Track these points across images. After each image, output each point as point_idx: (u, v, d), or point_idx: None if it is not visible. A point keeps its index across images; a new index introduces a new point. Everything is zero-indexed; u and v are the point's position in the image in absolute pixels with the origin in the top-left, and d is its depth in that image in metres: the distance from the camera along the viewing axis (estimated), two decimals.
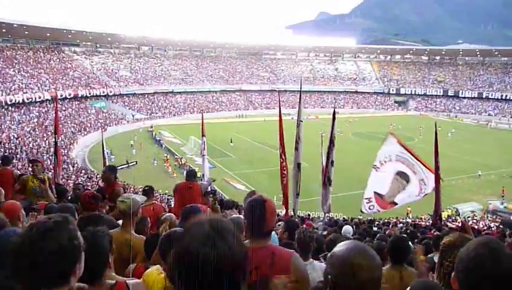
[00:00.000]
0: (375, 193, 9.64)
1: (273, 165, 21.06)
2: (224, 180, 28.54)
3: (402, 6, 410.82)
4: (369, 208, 9.64)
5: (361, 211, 10.06)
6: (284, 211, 11.02)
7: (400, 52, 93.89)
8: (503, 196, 26.56)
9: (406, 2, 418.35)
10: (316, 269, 2.99)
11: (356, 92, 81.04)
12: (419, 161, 9.74)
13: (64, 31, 57.74)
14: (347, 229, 6.45)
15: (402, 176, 9.46)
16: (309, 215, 18.31)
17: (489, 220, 22.41)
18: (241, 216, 3.84)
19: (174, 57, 77.14)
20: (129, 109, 58.31)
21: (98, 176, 25.91)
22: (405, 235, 4.44)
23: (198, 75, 74.09)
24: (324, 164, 10.11)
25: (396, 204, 9.67)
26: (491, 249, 1.28)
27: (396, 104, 79.27)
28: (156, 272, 2.27)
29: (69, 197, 6.24)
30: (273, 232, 3.42)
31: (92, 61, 65.02)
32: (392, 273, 3.10)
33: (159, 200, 19.75)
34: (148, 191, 5.29)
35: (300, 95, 10.90)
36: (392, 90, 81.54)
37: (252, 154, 37.31)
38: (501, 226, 15.95)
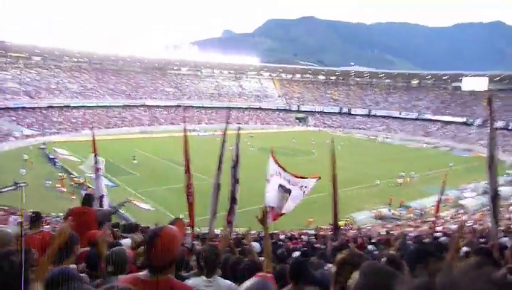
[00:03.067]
0: (268, 206, 10.17)
1: (180, 182, 20.70)
2: (128, 200, 27.18)
3: (299, 29, 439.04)
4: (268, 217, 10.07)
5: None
6: (190, 230, 10.88)
7: (300, 72, 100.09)
8: (390, 204, 29.50)
9: (303, 24, 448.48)
10: (220, 286, 3.02)
11: (260, 108, 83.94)
12: (294, 175, 10.46)
13: None
14: (254, 246, 6.56)
15: (282, 188, 10.07)
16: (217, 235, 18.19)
17: (380, 226, 24.70)
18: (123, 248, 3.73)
19: (71, 69, 72.02)
20: (17, 124, 52.64)
21: None
22: (303, 259, 4.61)
23: (98, 89, 70.04)
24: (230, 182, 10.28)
25: (283, 214, 10.26)
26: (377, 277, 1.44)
27: (297, 120, 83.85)
28: None
29: None
30: None
31: None
32: None
33: (51, 224, 18.08)
34: (35, 219, 4.83)
35: (227, 115, 10.92)
36: (293, 107, 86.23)
37: (157, 172, 36.20)
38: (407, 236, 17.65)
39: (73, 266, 3.17)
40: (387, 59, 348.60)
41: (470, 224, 21.42)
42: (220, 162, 9.66)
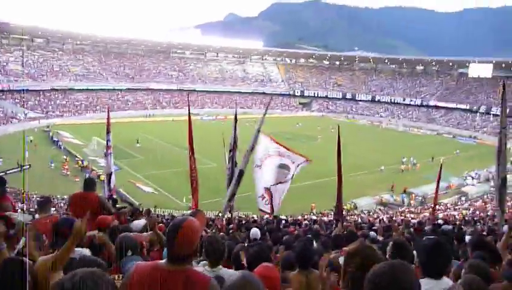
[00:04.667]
0: (265, 188, 10.24)
1: (182, 165, 20.80)
2: (131, 182, 27.40)
3: (304, 13, 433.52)
4: (265, 204, 10.21)
5: (260, 209, 10.59)
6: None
7: (304, 56, 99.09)
8: (392, 190, 29.53)
9: (308, 8, 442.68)
10: (228, 276, 3.00)
11: (264, 93, 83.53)
12: (291, 150, 10.55)
13: None
14: (255, 232, 6.57)
15: (283, 166, 10.11)
16: (217, 216, 18.33)
17: (382, 212, 24.82)
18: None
19: (74, 52, 71.63)
20: (21, 106, 52.68)
21: None
22: (308, 246, 4.61)
23: (101, 72, 69.81)
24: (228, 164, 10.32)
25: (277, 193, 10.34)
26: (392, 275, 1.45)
27: (300, 105, 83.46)
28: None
29: None
30: None
31: None
32: (299, 278, 3.36)
33: (58, 206, 18.28)
34: (44, 203, 4.82)
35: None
36: (297, 92, 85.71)
37: (160, 155, 36.33)
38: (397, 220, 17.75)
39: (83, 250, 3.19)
40: (393, 44, 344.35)
41: (471, 211, 21.49)
42: (249, 149, 9.50)
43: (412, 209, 25.01)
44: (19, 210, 5.13)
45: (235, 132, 10.18)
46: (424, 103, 75.02)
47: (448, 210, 23.43)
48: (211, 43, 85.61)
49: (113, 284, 1.58)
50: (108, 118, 12.06)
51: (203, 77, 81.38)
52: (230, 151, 10.15)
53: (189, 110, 11.23)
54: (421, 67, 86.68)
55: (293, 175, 10.20)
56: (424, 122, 69.77)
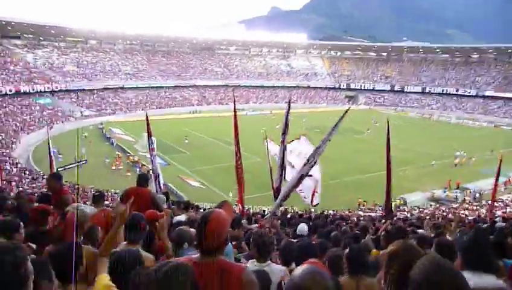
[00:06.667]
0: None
1: (228, 161, 21.07)
2: (179, 177, 28.17)
3: (348, 4, 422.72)
4: (304, 198, 10.35)
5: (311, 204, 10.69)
6: (240, 207, 11.09)
7: (349, 48, 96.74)
8: (449, 187, 28.09)
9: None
10: (274, 271, 2.98)
11: (308, 87, 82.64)
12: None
13: (3, 23, 54.08)
14: (302, 228, 6.50)
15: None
16: (264, 211, 18.44)
17: (434, 208, 23.78)
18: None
19: (124, 52, 74.64)
20: (77, 105, 55.78)
21: (44, 177, 24.64)
22: (362, 245, 4.39)
23: (149, 70, 72.22)
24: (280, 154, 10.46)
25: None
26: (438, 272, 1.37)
27: (346, 98, 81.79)
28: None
29: (12, 206, 5.81)
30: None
31: (35, 55, 61.43)
32: (349, 284, 3.05)
33: (111, 199, 19.19)
34: (98, 197, 5.04)
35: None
36: (343, 85, 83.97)
37: (207, 151, 37.03)
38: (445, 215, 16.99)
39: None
40: (445, 33, 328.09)
41: None
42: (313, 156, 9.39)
43: (467, 206, 23.77)
44: (87, 203, 5.40)
45: (287, 117, 10.41)
46: (480, 94, 70.80)
47: (507, 207, 22.02)
48: (255, 38, 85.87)
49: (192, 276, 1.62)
50: (148, 123, 11.80)
51: (248, 72, 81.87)
52: (282, 134, 10.33)
53: (234, 106, 11.34)
54: (476, 56, 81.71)
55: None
56: (480, 113, 65.93)
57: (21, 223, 3.37)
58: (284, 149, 10.60)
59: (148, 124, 11.65)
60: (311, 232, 7.17)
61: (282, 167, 10.71)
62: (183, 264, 1.58)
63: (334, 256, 3.34)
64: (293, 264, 3.42)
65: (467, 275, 2.02)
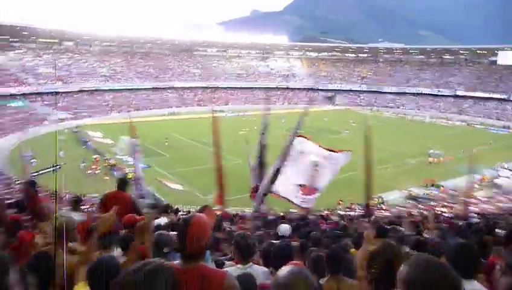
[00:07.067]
0: (299, 185, 10.26)
1: (209, 163, 20.93)
2: (158, 180, 27.84)
3: (327, 6, 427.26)
4: (302, 201, 10.20)
5: (295, 204, 10.65)
6: (220, 209, 11.04)
7: (328, 50, 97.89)
8: (426, 185, 28.70)
9: (332, 1, 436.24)
10: (256, 273, 2.96)
11: (287, 88, 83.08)
12: (325, 148, 10.52)
13: None
14: (284, 228, 6.50)
15: (316, 164, 10.08)
16: (244, 213, 18.35)
17: (412, 206, 24.23)
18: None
19: (101, 53, 73.29)
20: (52, 108, 54.39)
21: (16, 182, 23.89)
22: (342, 245, 4.44)
23: (127, 72, 71.16)
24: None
25: (317, 189, 10.33)
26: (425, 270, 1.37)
27: (324, 99, 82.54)
28: None
29: None
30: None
31: (6, 57, 59.58)
32: (330, 286, 3.07)
33: (89, 204, 18.75)
34: (76, 202, 4.95)
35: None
36: (321, 86, 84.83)
37: (187, 153, 36.76)
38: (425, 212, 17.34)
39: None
40: (420, 34, 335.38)
41: (506, 205, 20.77)
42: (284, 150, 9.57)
43: (445, 203, 24.32)
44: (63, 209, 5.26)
45: (265, 120, 10.42)
46: (453, 94, 72.77)
47: (481, 204, 22.66)
48: (234, 40, 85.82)
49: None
50: (131, 124, 11.83)
51: (227, 74, 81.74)
52: (262, 134, 10.33)
53: (212, 108, 11.32)
54: (450, 57, 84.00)
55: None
56: (453, 113, 67.76)
57: None
58: (263, 148, 10.61)
59: (131, 126, 11.68)
60: (292, 233, 7.18)
61: (262, 166, 10.71)
62: (164, 265, 1.55)
63: (315, 257, 3.34)
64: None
65: None
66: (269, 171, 9.77)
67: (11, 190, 22.28)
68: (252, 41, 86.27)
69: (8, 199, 11.77)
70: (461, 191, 26.15)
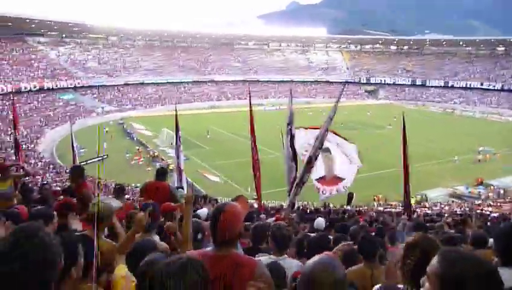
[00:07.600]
0: (316, 180, 10.07)
1: (247, 156, 21.01)
2: (198, 172, 28.39)
3: None
4: (323, 193, 10.08)
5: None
6: (258, 203, 11.10)
7: (370, 42, 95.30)
8: (476, 184, 27.32)
9: None
10: (290, 265, 2.94)
11: (327, 81, 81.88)
12: (339, 135, 10.22)
13: (27, 20, 55.37)
14: (319, 222, 6.45)
15: (324, 150, 9.78)
16: (282, 206, 18.36)
17: (455, 205, 23.30)
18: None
19: (144, 48, 75.50)
20: (98, 101, 56.84)
21: (67, 170, 25.21)
22: (372, 235, 4.39)
23: (169, 66, 72.87)
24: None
25: (340, 178, 10.08)
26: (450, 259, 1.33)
27: (366, 93, 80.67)
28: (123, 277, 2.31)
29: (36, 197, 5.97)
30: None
31: (58, 52, 62.77)
32: (363, 271, 3.19)
33: (132, 193, 19.51)
34: (119, 191, 5.15)
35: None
36: (362, 79, 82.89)
37: (227, 146, 37.21)
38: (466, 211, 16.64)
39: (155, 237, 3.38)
40: (469, 25, 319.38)
41: None
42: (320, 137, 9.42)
43: (490, 203, 23.18)
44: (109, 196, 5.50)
45: (291, 114, 10.28)
46: (506, 87, 68.73)
47: None
48: (273, 33, 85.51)
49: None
50: (176, 116, 11.90)
51: (266, 67, 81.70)
52: (288, 124, 10.20)
53: (250, 101, 11.27)
54: (502, 48, 79.23)
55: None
56: (505, 108, 64.04)
57: (54, 213, 3.47)
58: (291, 138, 10.41)
59: (176, 119, 11.89)
60: (328, 227, 7.11)
61: (295, 156, 10.50)
62: (196, 260, 1.54)
63: (349, 249, 3.35)
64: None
65: (503, 270, 1.90)
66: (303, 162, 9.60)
67: (62, 178, 23.60)
68: (290, 34, 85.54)
69: (57, 187, 12.47)
70: (510, 191, 24.94)
